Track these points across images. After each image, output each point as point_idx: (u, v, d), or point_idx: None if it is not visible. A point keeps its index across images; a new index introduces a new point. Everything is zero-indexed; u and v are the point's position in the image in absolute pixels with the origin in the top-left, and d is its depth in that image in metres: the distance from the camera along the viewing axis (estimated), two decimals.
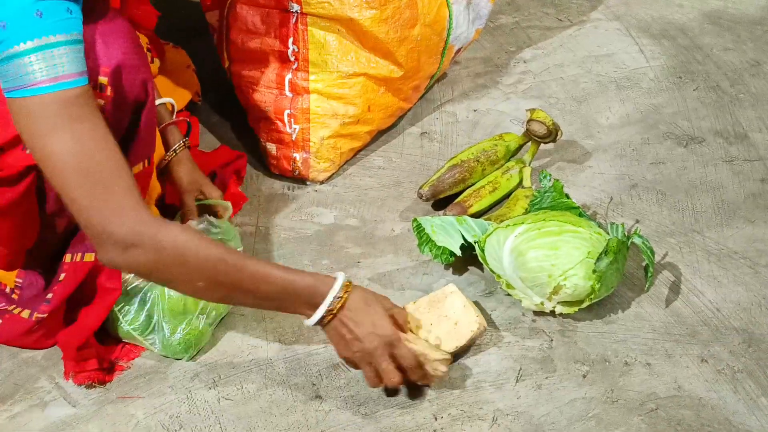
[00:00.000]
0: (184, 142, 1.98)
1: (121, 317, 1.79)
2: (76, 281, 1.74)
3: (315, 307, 1.63)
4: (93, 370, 1.77)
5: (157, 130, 1.77)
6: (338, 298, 1.63)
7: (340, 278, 1.65)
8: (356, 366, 1.70)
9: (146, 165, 1.71)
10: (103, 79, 1.53)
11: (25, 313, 1.77)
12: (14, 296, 1.79)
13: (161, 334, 1.79)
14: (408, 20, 2.18)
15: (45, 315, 1.76)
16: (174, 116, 2.00)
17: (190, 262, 1.51)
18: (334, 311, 1.64)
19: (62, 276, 1.75)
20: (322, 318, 1.63)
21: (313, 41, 2.15)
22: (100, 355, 1.78)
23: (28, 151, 1.54)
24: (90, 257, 1.73)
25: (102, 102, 1.53)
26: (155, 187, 1.98)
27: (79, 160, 1.43)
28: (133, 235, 1.46)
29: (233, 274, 1.55)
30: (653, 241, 2.01)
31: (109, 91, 1.54)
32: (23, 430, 1.70)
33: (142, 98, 1.61)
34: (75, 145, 1.42)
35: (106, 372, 1.78)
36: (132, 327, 1.79)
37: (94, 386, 1.77)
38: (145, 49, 1.70)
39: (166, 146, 1.96)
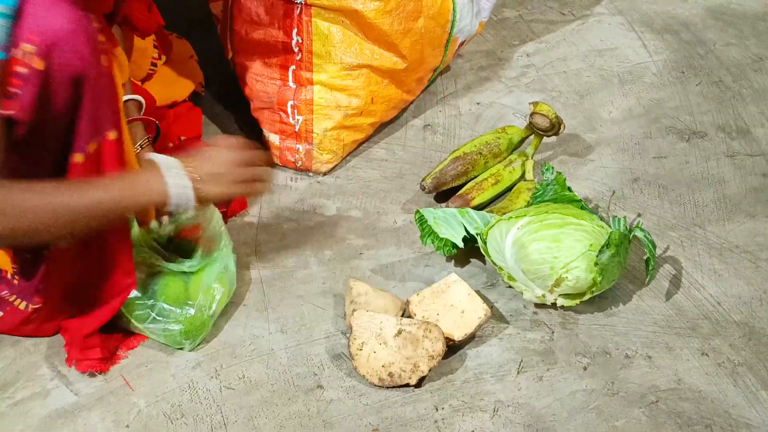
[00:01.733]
0: (148, 138, 1.95)
1: (123, 307, 1.79)
2: (60, 268, 1.73)
3: (162, 185, 1.62)
4: (96, 359, 1.77)
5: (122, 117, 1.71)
6: (174, 164, 1.65)
7: (160, 156, 1.68)
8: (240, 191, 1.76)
9: (100, 142, 1.64)
10: (30, 48, 1.48)
11: (22, 305, 1.78)
12: (15, 281, 1.79)
13: (162, 323, 1.79)
14: (412, 12, 2.18)
15: (39, 306, 1.76)
16: (141, 114, 1.98)
17: (22, 217, 1.51)
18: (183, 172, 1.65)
19: (45, 260, 1.74)
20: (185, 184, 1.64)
21: (317, 32, 2.15)
22: (103, 343, 1.78)
23: None
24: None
25: (24, 70, 1.48)
26: None
27: None
28: None
29: (68, 205, 1.55)
30: (655, 235, 2.02)
31: (35, 61, 1.48)
32: (25, 417, 1.71)
33: (81, 71, 1.54)
34: None
35: (107, 361, 1.79)
36: (134, 316, 1.79)
37: (95, 374, 1.77)
38: (112, 35, 1.66)
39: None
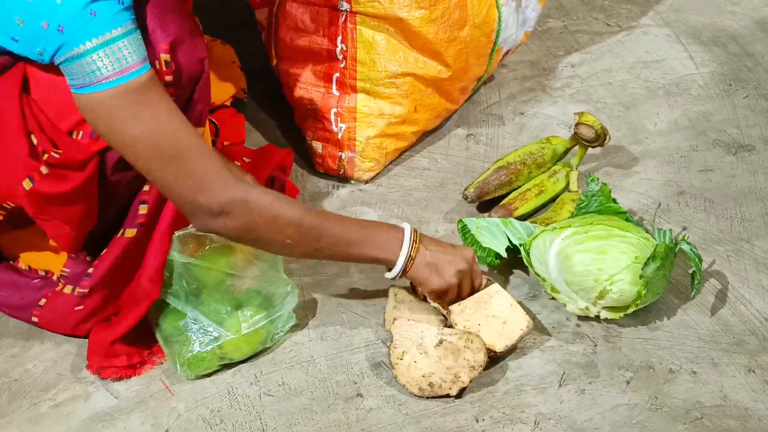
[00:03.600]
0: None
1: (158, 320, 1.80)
2: (114, 255, 1.76)
3: (393, 254, 1.74)
4: (122, 366, 1.78)
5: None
6: (413, 241, 1.75)
7: (407, 226, 1.76)
8: (446, 293, 1.79)
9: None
10: (166, 57, 1.56)
11: (68, 288, 1.80)
12: (61, 282, 1.81)
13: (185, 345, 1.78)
14: (457, 21, 2.17)
15: (86, 290, 1.77)
16: None
17: (276, 223, 1.62)
18: (413, 254, 1.74)
19: (105, 252, 1.77)
20: (405, 265, 1.74)
21: (362, 40, 2.14)
22: (130, 350, 1.79)
23: (92, 137, 1.60)
24: (131, 233, 1.74)
25: (170, 78, 1.57)
26: None
27: (160, 142, 1.52)
28: (222, 204, 1.57)
29: (311, 231, 1.66)
30: (700, 249, 1.99)
31: (173, 66, 1.57)
32: (66, 419, 1.72)
33: (199, 73, 1.63)
34: (152, 129, 1.51)
35: (135, 367, 1.79)
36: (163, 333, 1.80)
37: (122, 380, 1.78)
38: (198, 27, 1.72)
39: None
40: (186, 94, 1.63)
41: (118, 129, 1.51)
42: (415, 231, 1.77)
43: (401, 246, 1.74)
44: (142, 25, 1.53)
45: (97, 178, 1.66)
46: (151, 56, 1.53)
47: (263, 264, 1.82)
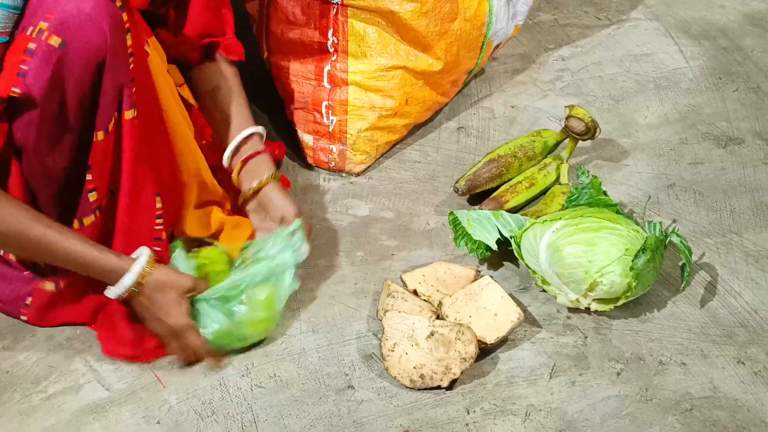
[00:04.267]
0: (272, 174, 1.92)
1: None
2: None
3: (115, 283, 1.68)
4: (126, 354, 1.79)
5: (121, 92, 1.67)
6: (137, 282, 1.67)
7: (138, 264, 1.68)
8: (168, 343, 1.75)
9: (117, 120, 1.65)
10: (43, 24, 1.50)
11: (49, 285, 1.80)
12: (48, 272, 1.81)
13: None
14: (448, 14, 2.17)
15: (65, 283, 1.79)
16: (262, 144, 1.96)
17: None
18: (135, 291, 1.68)
19: None
20: (124, 296, 1.69)
21: (353, 33, 2.14)
22: (138, 340, 1.79)
23: None
24: (88, 220, 1.73)
25: (33, 45, 1.50)
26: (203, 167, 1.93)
27: None
28: None
29: (33, 245, 1.63)
30: (690, 242, 1.99)
31: (45, 36, 1.50)
32: (57, 411, 1.71)
33: (102, 52, 1.55)
34: None
35: (137, 358, 1.80)
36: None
37: (130, 365, 1.78)
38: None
39: (255, 175, 1.92)
40: (89, 67, 1.55)
41: None
42: (146, 267, 1.68)
43: (122, 278, 1.67)
44: None
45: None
46: (26, 22, 1.50)
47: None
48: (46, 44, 1.50)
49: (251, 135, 1.94)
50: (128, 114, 1.65)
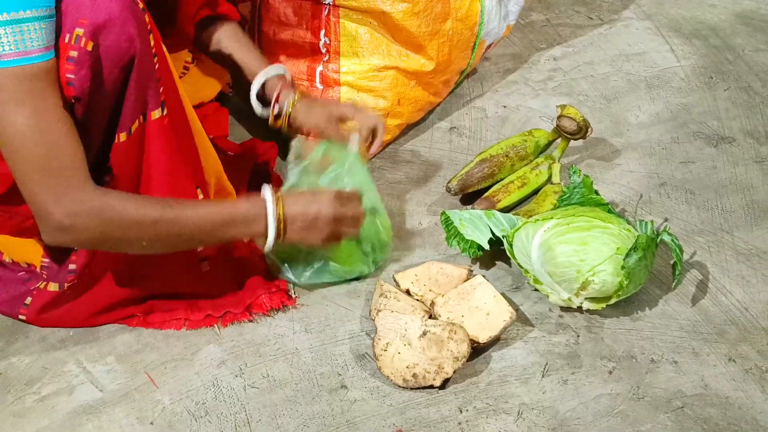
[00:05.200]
0: (293, 99, 1.99)
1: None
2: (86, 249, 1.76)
3: (262, 227, 1.71)
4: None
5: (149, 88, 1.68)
6: (277, 208, 1.72)
7: (267, 191, 1.72)
8: (329, 240, 1.80)
9: (141, 121, 1.65)
10: (79, 31, 1.51)
11: (53, 286, 1.80)
12: (44, 275, 1.81)
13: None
14: (440, 14, 2.18)
15: (73, 282, 1.79)
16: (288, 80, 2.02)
17: (132, 229, 1.59)
18: (282, 220, 1.72)
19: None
20: (277, 232, 1.72)
21: (345, 33, 2.15)
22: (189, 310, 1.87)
23: None
24: None
25: (75, 54, 1.51)
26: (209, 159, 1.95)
27: (30, 137, 1.48)
28: (70, 220, 1.53)
29: (171, 227, 1.63)
30: (682, 240, 2.00)
31: (83, 42, 1.51)
32: (51, 412, 1.72)
33: (130, 53, 1.57)
34: (30, 120, 1.47)
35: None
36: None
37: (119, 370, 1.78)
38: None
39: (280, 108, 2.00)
40: (116, 73, 1.57)
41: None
42: (276, 195, 1.73)
43: (266, 218, 1.71)
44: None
45: None
46: (64, 29, 1.49)
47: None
48: (85, 51, 1.52)
49: (268, 79, 1.99)
50: (155, 114, 1.65)
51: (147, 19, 1.60)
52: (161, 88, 1.65)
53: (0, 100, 1.46)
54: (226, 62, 2.04)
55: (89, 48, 1.51)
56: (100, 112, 1.60)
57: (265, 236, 1.73)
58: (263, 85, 1.99)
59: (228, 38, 2.02)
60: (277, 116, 2.00)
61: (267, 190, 1.73)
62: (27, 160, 1.50)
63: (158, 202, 1.63)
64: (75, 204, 1.53)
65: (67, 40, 1.50)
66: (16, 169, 1.52)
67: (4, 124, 1.48)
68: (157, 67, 1.64)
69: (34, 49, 1.45)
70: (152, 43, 1.62)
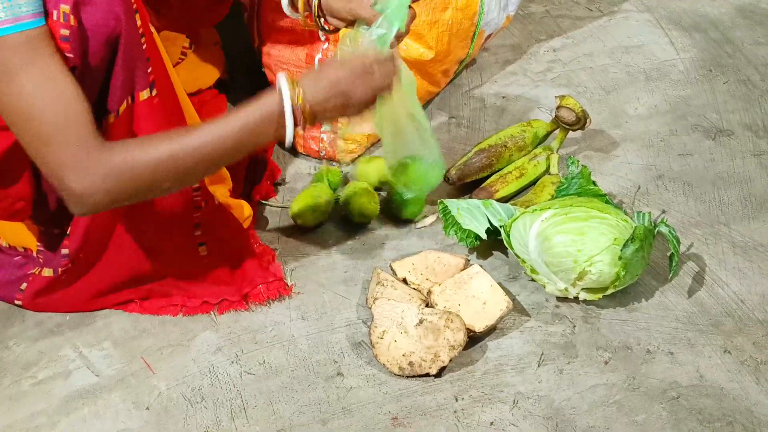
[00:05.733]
0: None
1: None
2: (80, 233, 1.74)
3: (281, 116, 1.57)
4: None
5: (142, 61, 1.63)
6: (297, 96, 1.58)
7: (282, 80, 1.58)
8: (363, 104, 1.66)
9: (129, 102, 1.62)
10: (65, 8, 1.46)
11: (48, 272, 1.80)
12: (40, 259, 1.81)
13: None
14: (440, 3, 2.18)
15: (67, 267, 1.78)
16: None
17: (147, 177, 1.50)
18: (302, 98, 1.58)
19: (69, 230, 1.75)
20: (298, 114, 1.58)
21: None
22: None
23: None
24: None
25: (67, 32, 1.47)
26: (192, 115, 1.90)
27: (32, 103, 1.42)
28: (82, 187, 1.46)
29: (190, 158, 1.52)
30: (679, 232, 2.00)
31: (72, 20, 1.47)
32: (47, 397, 1.72)
33: (116, 32, 1.53)
34: (28, 90, 1.42)
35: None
36: None
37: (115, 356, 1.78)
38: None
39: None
40: (103, 52, 1.53)
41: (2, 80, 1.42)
42: (292, 80, 1.58)
43: (283, 114, 1.57)
44: None
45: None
46: (50, 6, 1.45)
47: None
48: (75, 28, 1.47)
49: None
50: (143, 95, 1.61)
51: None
52: (149, 69, 1.61)
53: (2, 70, 1.42)
54: None
55: (74, 24, 1.47)
56: (90, 91, 1.54)
57: (284, 141, 1.60)
58: None
59: None
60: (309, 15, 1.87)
61: (282, 79, 1.58)
62: (30, 126, 1.44)
63: (166, 137, 1.53)
64: (84, 171, 1.45)
65: (55, 17, 1.46)
66: (24, 138, 1.47)
67: (5, 94, 1.43)
68: (144, 47, 1.60)
69: (26, 14, 1.40)
70: (139, 23, 1.57)
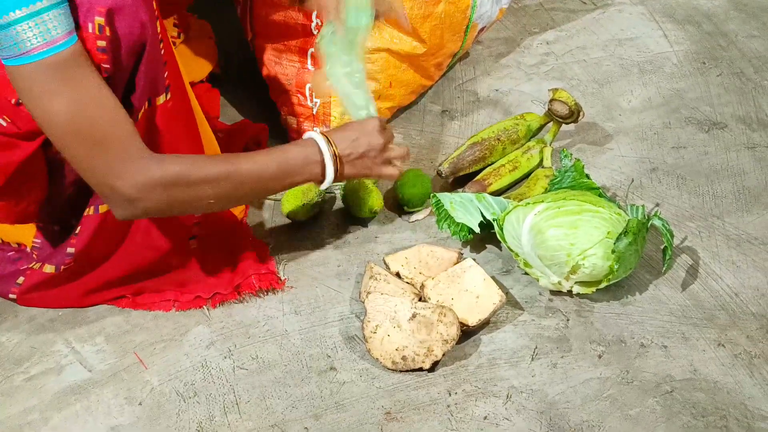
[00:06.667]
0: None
1: None
2: (89, 233, 1.75)
3: (319, 169, 1.75)
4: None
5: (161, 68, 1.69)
6: (328, 145, 1.76)
7: (315, 134, 1.77)
8: (383, 171, 1.86)
9: (147, 107, 1.66)
10: (100, 20, 1.50)
11: (49, 268, 1.80)
12: (34, 255, 1.81)
13: None
14: None
15: (69, 265, 1.78)
16: None
17: (197, 192, 1.61)
18: (337, 154, 1.76)
19: (78, 229, 1.76)
20: (335, 168, 1.76)
21: None
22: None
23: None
24: (104, 208, 1.73)
25: (103, 44, 1.51)
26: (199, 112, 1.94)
27: (76, 122, 1.48)
28: (136, 190, 1.54)
29: (233, 183, 1.65)
30: (672, 225, 2.00)
31: (107, 31, 1.51)
32: (39, 392, 1.71)
33: (141, 38, 1.57)
34: (71, 107, 1.47)
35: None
36: None
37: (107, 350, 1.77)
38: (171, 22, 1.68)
39: None
40: (129, 60, 1.57)
41: (39, 102, 1.47)
42: (325, 136, 1.77)
43: (322, 160, 1.75)
44: None
45: (46, 149, 1.64)
46: (84, 19, 1.48)
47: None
48: (110, 39, 1.51)
49: None
50: (160, 99, 1.66)
51: (155, 5, 1.60)
52: (166, 73, 1.65)
53: (38, 94, 1.46)
54: None
55: (109, 35, 1.51)
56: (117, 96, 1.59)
57: (323, 178, 1.76)
58: None
59: None
60: None
61: (314, 133, 1.77)
62: (79, 143, 1.50)
63: (217, 159, 1.66)
64: (138, 174, 1.54)
65: (90, 30, 1.49)
66: (73, 155, 1.53)
67: (50, 115, 1.48)
68: (162, 52, 1.64)
69: (58, 36, 1.44)
70: (159, 29, 1.62)
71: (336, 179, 1.77)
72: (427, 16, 2.17)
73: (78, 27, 1.48)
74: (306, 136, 1.78)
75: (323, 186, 1.78)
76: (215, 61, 2.40)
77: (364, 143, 1.80)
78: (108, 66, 1.52)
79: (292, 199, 2.01)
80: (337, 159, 1.76)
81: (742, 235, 2.04)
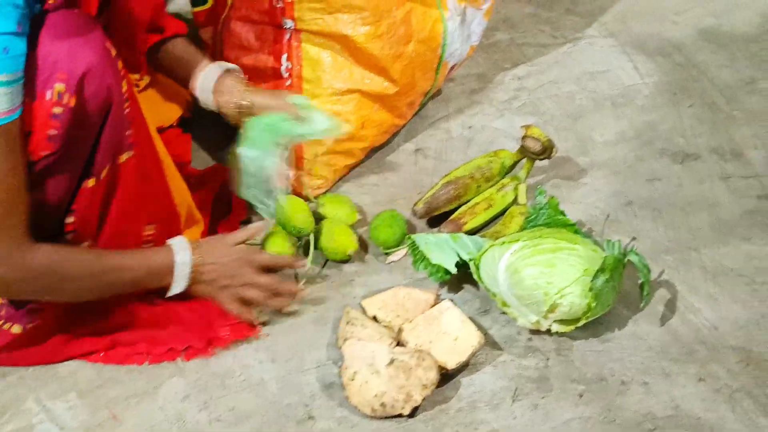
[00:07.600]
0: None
1: None
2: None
3: (171, 276, 1.77)
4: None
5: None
6: (194, 261, 1.78)
7: (183, 244, 1.79)
8: (243, 304, 1.85)
9: (110, 166, 1.68)
10: (60, 87, 1.52)
11: (17, 328, 1.77)
12: (2, 311, 1.77)
13: None
14: (402, 36, 2.16)
15: (37, 323, 1.76)
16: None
17: (62, 284, 1.66)
18: (194, 272, 1.79)
19: None
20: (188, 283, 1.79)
21: (307, 58, 2.13)
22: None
23: None
24: None
25: (59, 110, 1.52)
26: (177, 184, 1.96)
27: None
28: (9, 278, 1.59)
29: (98, 281, 1.70)
30: (649, 259, 1.99)
31: (67, 98, 1.52)
32: None
33: (108, 102, 1.59)
34: None
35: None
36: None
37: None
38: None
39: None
40: (95, 122, 1.59)
41: None
42: (193, 246, 1.79)
43: (173, 273, 1.77)
44: (51, 52, 1.51)
45: None
46: (42, 87, 1.50)
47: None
48: (68, 107, 1.53)
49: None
50: (122, 158, 1.67)
51: (120, 66, 1.61)
52: (130, 131, 1.67)
53: None
54: (181, 74, 2.04)
55: (72, 104, 1.52)
56: (75, 161, 1.61)
57: (169, 292, 1.79)
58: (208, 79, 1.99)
59: (178, 52, 2.04)
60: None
61: (178, 238, 1.79)
62: None
63: (89, 255, 1.70)
64: (18, 261, 1.57)
65: (48, 97, 1.51)
66: None
67: None
68: (127, 112, 1.64)
69: (1, 111, 1.45)
70: (125, 88, 1.62)
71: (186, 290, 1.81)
72: (397, 56, 2.17)
73: (33, 96, 1.49)
74: (169, 241, 1.80)
75: (176, 286, 1.79)
76: (185, 104, 2.38)
77: (230, 270, 1.82)
78: (57, 132, 1.53)
79: (279, 244, 2.00)
80: (190, 278, 1.78)
81: (718, 268, 2.04)
